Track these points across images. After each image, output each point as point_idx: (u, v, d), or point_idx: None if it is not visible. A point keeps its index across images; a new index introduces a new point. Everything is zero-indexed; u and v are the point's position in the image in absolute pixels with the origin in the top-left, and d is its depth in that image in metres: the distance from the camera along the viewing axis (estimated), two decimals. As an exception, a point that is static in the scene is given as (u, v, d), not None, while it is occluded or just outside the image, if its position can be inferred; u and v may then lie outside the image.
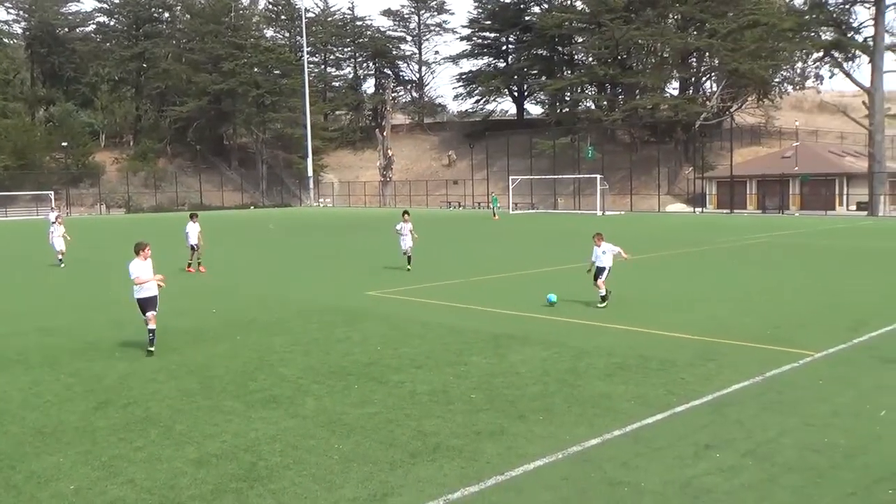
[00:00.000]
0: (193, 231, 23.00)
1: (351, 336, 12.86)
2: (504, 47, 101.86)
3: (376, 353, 11.54)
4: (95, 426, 8.32)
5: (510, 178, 70.14)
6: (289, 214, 71.24)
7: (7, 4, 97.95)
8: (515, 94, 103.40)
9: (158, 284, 11.94)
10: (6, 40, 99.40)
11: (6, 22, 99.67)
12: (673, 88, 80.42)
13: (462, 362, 10.86)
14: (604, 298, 15.14)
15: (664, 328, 13.03)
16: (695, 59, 77.17)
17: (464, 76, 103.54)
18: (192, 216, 23.86)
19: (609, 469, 6.77)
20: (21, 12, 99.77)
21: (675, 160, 72.87)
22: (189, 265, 23.11)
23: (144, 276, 11.66)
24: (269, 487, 6.53)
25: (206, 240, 24.47)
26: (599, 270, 15.23)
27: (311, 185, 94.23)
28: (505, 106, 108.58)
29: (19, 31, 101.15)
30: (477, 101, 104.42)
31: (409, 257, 22.03)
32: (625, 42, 75.12)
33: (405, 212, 22.74)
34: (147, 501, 6.32)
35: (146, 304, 11.71)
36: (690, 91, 76.66)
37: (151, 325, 11.62)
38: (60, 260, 25.48)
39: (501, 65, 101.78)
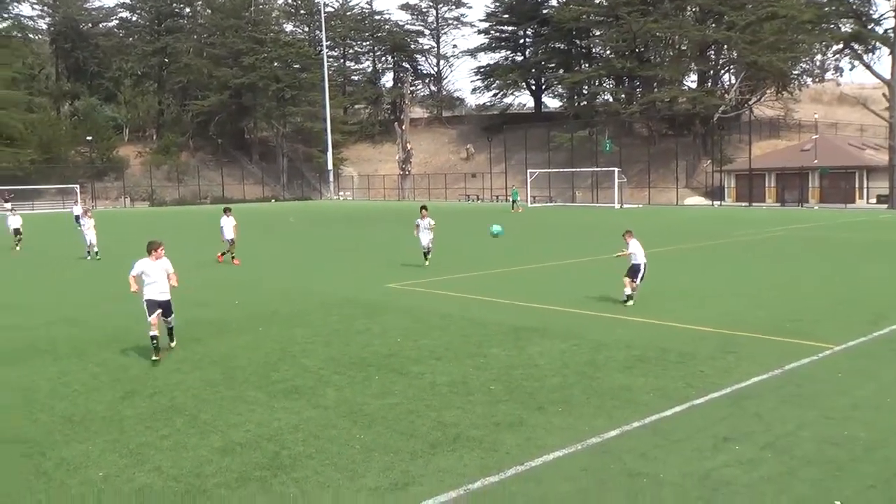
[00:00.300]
0: (228, 225, 23.21)
1: (371, 328, 12.92)
2: (521, 41, 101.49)
3: (396, 344, 11.59)
4: (122, 415, 8.43)
5: (528, 171, 69.95)
6: (309, 208, 71.50)
7: (32, 0, 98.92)
8: (533, 87, 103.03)
9: (171, 284, 11.18)
10: (32, 36, 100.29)
11: (31, 17, 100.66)
12: (691, 81, 79.87)
13: (481, 354, 10.88)
14: (629, 297, 14.46)
15: (683, 321, 12.99)
16: (713, 52, 76.47)
17: (481, 70, 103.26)
18: (226, 210, 23.94)
19: (628, 460, 6.78)
20: (46, 8, 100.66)
21: (694, 153, 72.34)
22: (221, 254, 23.39)
23: (153, 275, 10.89)
24: (293, 476, 6.59)
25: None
26: (634, 269, 14.54)
27: (331, 179, 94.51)
28: (522, 99, 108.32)
29: (44, 26, 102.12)
30: (495, 95, 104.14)
31: (425, 253, 21.41)
32: (643, 35, 74.56)
33: (423, 207, 21.97)
34: (174, 489, 6.40)
35: (153, 305, 10.84)
36: (709, 84, 75.99)
37: (153, 332, 10.69)
38: (91, 252, 25.55)
39: (519, 58, 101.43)
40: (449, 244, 27.57)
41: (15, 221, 30.79)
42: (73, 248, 28.48)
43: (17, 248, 29.85)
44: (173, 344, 11.45)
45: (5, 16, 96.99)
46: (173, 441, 7.53)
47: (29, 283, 20.63)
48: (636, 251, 14.59)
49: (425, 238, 21.31)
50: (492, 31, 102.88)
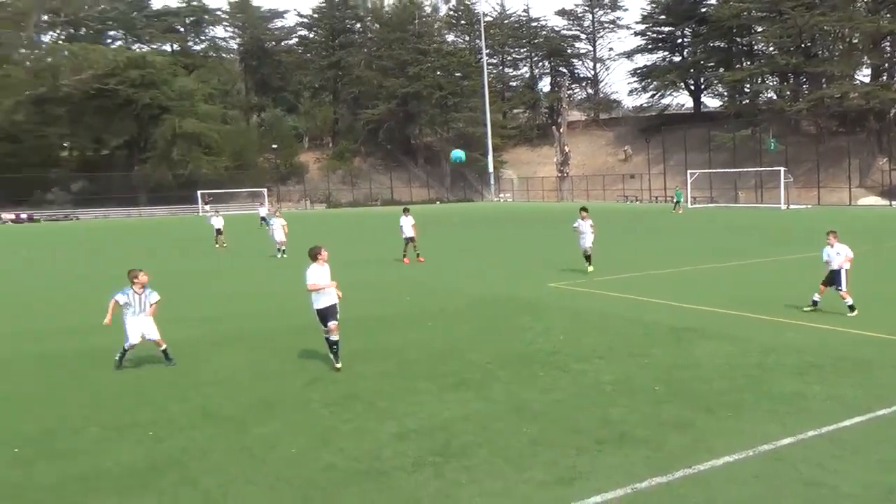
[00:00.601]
0: (407, 224, 23.70)
1: (534, 326, 12.91)
2: (679, 41, 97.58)
3: (559, 342, 11.51)
4: (309, 399, 8.93)
5: (688, 171, 67.25)
6: (471, 209, 72.45)
7: (225, 23, 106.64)
8: (692, 87, 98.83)
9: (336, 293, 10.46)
10: (225, 55, 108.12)
11: (224, 39, 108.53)
12: (864, 75, 73.54)
13: (644, 354, 10.60)
14: (852, 308, 12.82)
15: (857, 326, 12.01)
16: (888, 44, 70.15)
17: (638, 71, 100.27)
18: (405, 210, 24.50)
19: (804, 470, 6.37)
20: (236, 30, 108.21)
21: (868, 151, 66.63)
22: (405, 256, 23.86)
23: (322, 281, 10.20)
24: (464, 463, 6.72)
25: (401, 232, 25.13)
26: (835, 275, 12.98)
27: (492, 181, 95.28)
28: (681, 100, 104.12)
29: (235, 46, 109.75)
30: (652, 96, 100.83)
31: (588, 256, 19.83)
32: (809, 29, 69.58)
33: (583, 208, 20.62)
34: (356, 468, 6.70)
35: (327, 314, 10.19)
36: (884, 77, 69.79)
37: (334, 336, 10.14)
38: (280, 251, 26.80)
39: (677, 58, 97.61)
40: (609, 245, 27.02)
41: (217, 222, 33.19)
42: (263, 246, 30.38)
43: (218, 245, 32.13)
44: (338, 364, 10.23)
45: (203, 38, 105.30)
46: (354, 425, 7.88)
47: (234, 278, 22.26)
48: (842, 252, 12.96)
49: (585, 241, 19.95)
50: (648, 33, 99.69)
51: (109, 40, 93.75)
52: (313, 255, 10.34)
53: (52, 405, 9.05)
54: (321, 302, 10.20)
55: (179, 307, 15.30)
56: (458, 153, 16.12)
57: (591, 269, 19.65)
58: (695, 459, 6.64)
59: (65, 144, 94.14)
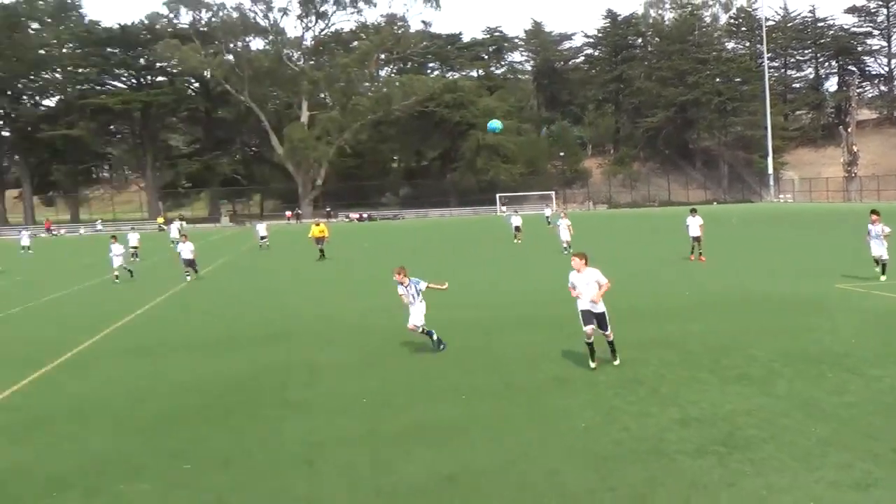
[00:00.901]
0: (694, 224, 22.12)
1: (820, 325, 11.51)
2: None
3: (850, 344, 10.13)
4: (597, 380, 8.87)
5: None
6: (750, 210, 66.67)
7: (521, 49, 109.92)
8: None
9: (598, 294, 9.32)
10: (521, 76, 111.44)
11: (520, 62, 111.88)
12: None
13: (951, 363, 8.94)
14: None
15: None
16: None
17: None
18: (692, 211, 22.94)
19: None
20: (530, 53, 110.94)
21: None
22: (692, 254, 22.43)
23: (579, 287, 9.39)
24: (748, 456, 6.23)
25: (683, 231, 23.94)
26: None
27: (771, 183, 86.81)
28: None
29: (529, 68, 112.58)
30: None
31: (883, 265, 16.36)
32: None
33: (874, 211, 17.17)
34: (640, 449, 6.53)
35: (586, 316, 9.31)
36: None
37: (588, 340, 9.31)
38: (565, 248, 26.13)
39: None
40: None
41: (516, 220, 34.44)
42: (550, 243, 30.78)
43: (517, 241, 32.62)
44: (616, 362, 9.51)
45: (502, 63, 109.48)
46: (638, 408, 7.69)
47: (525, 270, 22.97)
48: None
49: (877, 249, 16.43)
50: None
51: (429, 70, 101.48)
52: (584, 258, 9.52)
53: (381, 372, 10.05)
54: (580, 304, 9.46)
55: (482, 294, 16.10)
56: (494, 124, 14.91)
57: (883, 278, 16.18)
58: None
59: (394, 157, 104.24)
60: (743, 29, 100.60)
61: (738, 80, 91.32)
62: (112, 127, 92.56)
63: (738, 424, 7.03)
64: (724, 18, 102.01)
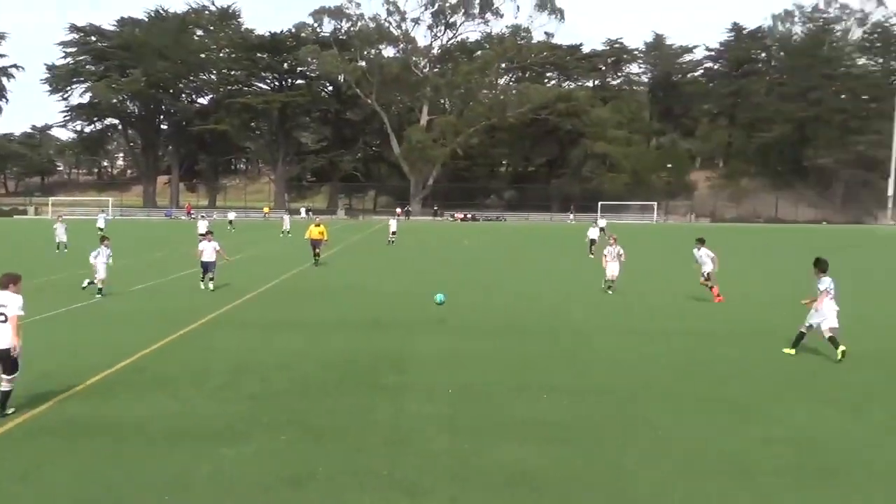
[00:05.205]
0: (706, 257, 16.45)
1: (931, 357, 10.48)
2: None
3: (961, 379, 9.17)
4: (678, 391, 8.50)
5: None
6: (862, 232, 61.60)
7: (640, 60, 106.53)
8: None
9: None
10: (636, 88, 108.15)
11: (637, 74, 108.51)
12: None
13: None
14: None
15: None
16: None
17: None
18: (699, 241, 16.68)
19: None
20: (649, 66, 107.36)
21: None
22: (713, 288, 19.80)
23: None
24: (833, 482, 5.78)
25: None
26: None
27: (891, 205, 79.79)
28: None
29: (645, 80, 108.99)
30: None
31: None
32: None
33: None
34: (721, 461, 6.21)
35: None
36: None
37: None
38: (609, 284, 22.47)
39: None
40: None
41: (593, 233, 29.93)
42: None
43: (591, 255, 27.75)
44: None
45: (619, 74, 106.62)
46: (722, 422, 7.30)
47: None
48: None
49: None
50: None
51: (546, 79, 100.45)
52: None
53: (469, 365, 10.08)
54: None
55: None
56: (440, 297, 14.18)
57: None
58: None
59: (503, 162, 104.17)
60: (877, 45, 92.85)
61: (865, 97, 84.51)
62: (253, 124, 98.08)
63: (826, 449, 6.54)
64: (857, 33, 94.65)
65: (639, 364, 9.89)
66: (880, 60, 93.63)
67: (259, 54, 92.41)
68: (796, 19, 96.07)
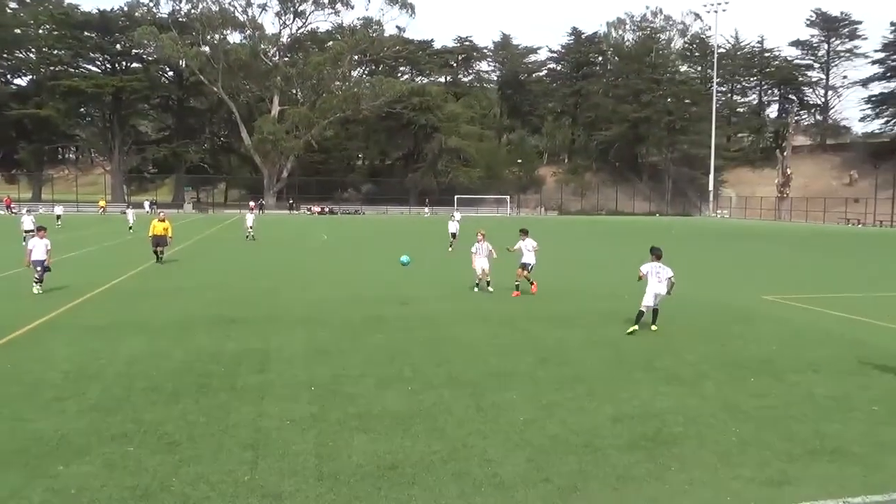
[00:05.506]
0: (528, 248, 16.06)
1: (746, 333, 11.81)
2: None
3: (772, 352, 10.41)
4: (537, 376, 8.91)
5: (920, 197, 57.68)
6: (689, 223, 68.23)
7: (489, 59, 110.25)
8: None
9: None
10: (486, 85, 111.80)
11: (487, 72, 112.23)
12: None
13: (862, 374, 9.23)
14: None
15: None
16: None
17: (873, 98, 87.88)
18: (523, 232, 16.42)
19: None
20: (497, 64, 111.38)
21: None
22: (516, 290, 22.28)
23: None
24: (673, 451, 6.31)
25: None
26: None
27: (711, 199, 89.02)
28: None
29: (495, 77, 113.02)
30: (886, 123, 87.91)
31: None
32: None
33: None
34: (575, 441, 6.56)
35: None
36: None
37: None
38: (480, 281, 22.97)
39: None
40: (830, 263, 24.01)
41: (454, 227, 30.12)
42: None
43: (451, 249, 28.04)
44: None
45: (470, 71, 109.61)
46: (576, 404, 7.73)
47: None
48: None
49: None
50: (888, 61, 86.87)
51: (399, 73, 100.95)
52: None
53: (342, 357, 9.92)
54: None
55: (431, 287, 15.98)
56: (405, 258, 15.76)
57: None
58: (917, 485, 5.65)
59: (359, 155, 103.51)
60: (696, 54, 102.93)
61: (687, 101, 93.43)
62: (82, 109, 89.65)
63: (666, 422, 7.12)
64: (679, 43, 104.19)
65: (497, 352, 10.20)
66: (699, 68, 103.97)
67: (87, 33, 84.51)
68: (628, 27, 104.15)
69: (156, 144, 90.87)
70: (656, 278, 11.80)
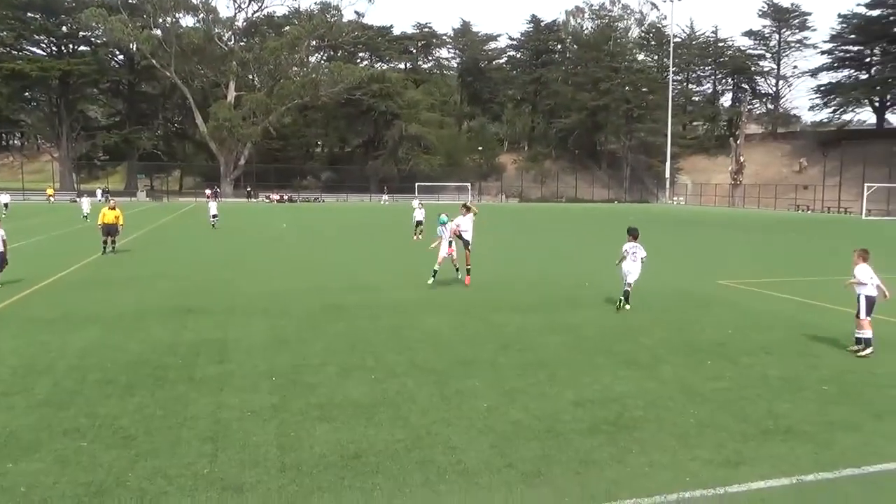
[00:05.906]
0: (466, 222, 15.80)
1: (702, 318, 12.09)
2: (868, 59, 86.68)
3: (727, 335, 10.67)
4: (499, 362, 8.96)
5: (865, 185, 59.77)
6: (646, 210, 69.39)
7: (449, 46, 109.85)
8: (876, 104, 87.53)
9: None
10: (446, 72, 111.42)
11: (447, 59, 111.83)
12: None
13: (813, 354, 9.55)
14: None
15: None
16: None
17: (822, 88, 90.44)
18: (464, 207, 16.25)
19: None
20: (457, 51, 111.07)
21: None
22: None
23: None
24: (635, 435, 6.42)
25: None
26: None
27: (668, 186, 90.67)
28: (863, 116, 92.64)
29: (455, 65, 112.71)
30: (833, 112, 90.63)
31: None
32: None
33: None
34: (538, 427, 6.62)
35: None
36: None
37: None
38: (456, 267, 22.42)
39: (863, 76, 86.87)
40: (782, 249, 24.69)
41: (419, 214, 29.38)
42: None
43: (416, 237, 27.71)
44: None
45: (430, 58, 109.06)
46: (538, 390, 7.79)
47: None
48: None
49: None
50: (836, 52, 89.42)
51: (359, 60, 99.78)
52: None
53: (302, 346, 9.80)
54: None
55: (396, 275, 15.88)
56: (444, 218, 16.60)
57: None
58: (864, 461, 5.87)
59: (318, 142, 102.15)
60: (652, 43, 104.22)
61: (644, 89, 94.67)
62: (27, 94, 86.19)
63: (626, 406, 7.24)
64: (636, 32, 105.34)
65: (459, 340, 10.21)
66: (655, 57, 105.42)
67: (30, 14, 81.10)
68: (586, 15, 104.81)
69: (106, 130, 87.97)
70: (632, 258, 12.59)
